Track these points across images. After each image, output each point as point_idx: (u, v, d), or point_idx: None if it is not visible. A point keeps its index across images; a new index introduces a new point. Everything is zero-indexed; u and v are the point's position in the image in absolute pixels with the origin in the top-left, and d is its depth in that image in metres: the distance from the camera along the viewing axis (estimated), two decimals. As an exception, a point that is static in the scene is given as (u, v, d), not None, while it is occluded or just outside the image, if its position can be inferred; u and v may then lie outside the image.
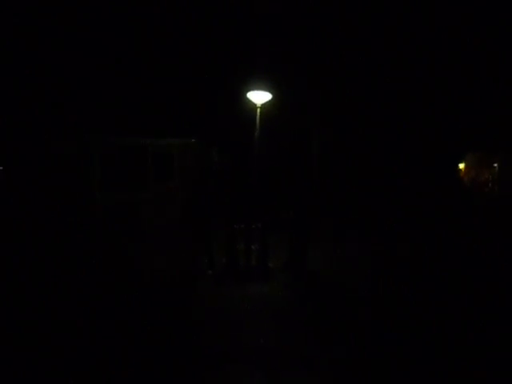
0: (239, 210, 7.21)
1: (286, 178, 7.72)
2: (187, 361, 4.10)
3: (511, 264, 7.55)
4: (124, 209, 11.40)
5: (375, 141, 13.40)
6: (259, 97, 8.51)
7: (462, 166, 17.24)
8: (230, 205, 7.30)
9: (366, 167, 13.21)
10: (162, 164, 12.27)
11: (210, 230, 7.21)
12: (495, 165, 16.22)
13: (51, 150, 11.70)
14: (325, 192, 11.57)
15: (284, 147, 10.95)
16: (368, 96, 13.08)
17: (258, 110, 8.60)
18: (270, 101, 8.63)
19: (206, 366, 4.00)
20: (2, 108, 11.56)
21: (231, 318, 5.20)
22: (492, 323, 4.95)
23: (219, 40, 13.17)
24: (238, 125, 11.39)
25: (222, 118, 12.78)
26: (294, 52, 12.50)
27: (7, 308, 5.41)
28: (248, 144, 9.26)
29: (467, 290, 6.20)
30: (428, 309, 5.45)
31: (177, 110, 12.80)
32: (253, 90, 8.49)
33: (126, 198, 11.59)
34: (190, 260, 7.76)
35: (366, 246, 9.33)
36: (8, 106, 11.66)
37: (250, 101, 8.73)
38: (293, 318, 5.20)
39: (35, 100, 11.96)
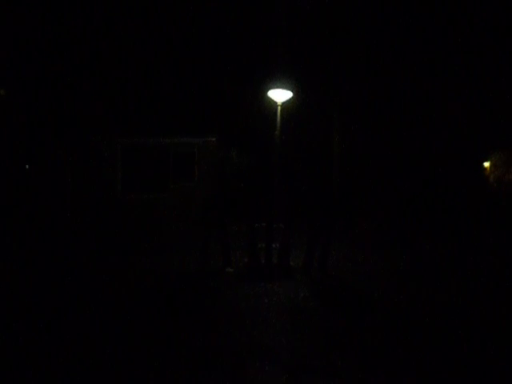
0: (260, 208, 7.20)
1: (307, 178, 7.67)
2: (208, 358, 4.10)
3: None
4: (145, 206, 11.55)
5: (400, 139, 13.18)
6: (280, 95, 8.49)
7: (487, 164, 16.79)
8: (250, 204, 7.29)
9: (389, 166, 13.00)
10: (182, 163, 12.38)
11: (226, 228, 7.22)
12: (522, 163, 15.74)
13: (76, 150, 11.96)
14: (347, 192, 11.45)
15: (305, 146, 10.92)
16: (390, 92, 12.87)
17: (279, 108, 8.58)
18: (290, 99, 8.59)
19: (229, 363, 3.99)
20: (32, 108, 11.88)
21: (252, 316, 5.18)
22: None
23: (239, 39, 13.19)
24: (258, 124, 11.39)
25: (242, 118, 12.79)
26: (316, 47, 12.41)
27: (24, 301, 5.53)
28: (268, 143, 9.25)
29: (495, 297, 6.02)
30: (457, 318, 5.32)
31: (198, 109, 12.87)
32: (274, 88, 8.48)
33: (148, 196, 11.74)
34: (210, 258, 7.77)
35: (391, 249, 9.16)
36: (37, 107, 11.97)
37: (270, 99, 8.73)
38: (315, 319, 5.14)
39: (62, 101, 12.23)
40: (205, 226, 7.11)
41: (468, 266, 7.53)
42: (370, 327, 4.84)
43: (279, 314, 5.27)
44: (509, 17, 12.07)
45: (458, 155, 13.70)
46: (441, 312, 5.32)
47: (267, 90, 8.65)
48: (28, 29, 12.15)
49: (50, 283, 6.45)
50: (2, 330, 4.54)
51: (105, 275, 6.97)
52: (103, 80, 12.96)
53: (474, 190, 13.11)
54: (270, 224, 7.00)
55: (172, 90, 13.14)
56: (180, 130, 12.36)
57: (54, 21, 12.38)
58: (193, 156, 12.41)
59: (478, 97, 13.28)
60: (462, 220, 11.15)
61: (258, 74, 11.80)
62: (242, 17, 13.03)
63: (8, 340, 4.27)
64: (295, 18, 12.35)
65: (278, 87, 8.44)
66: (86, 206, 11.48)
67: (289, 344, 4.39)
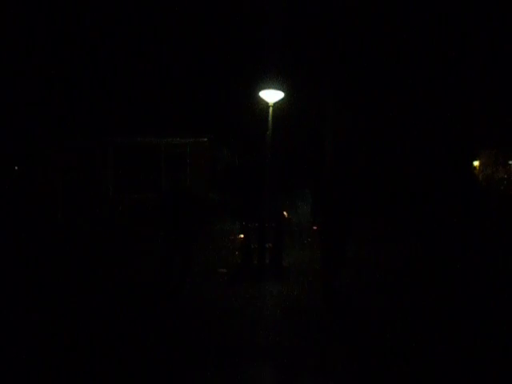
0: (252, 208, 7.20)
1: (301, 178, 7.70)
2: (201, 357, 4.10)
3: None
4: (137, 206, 11.48)
5: (387, 141, 13.26)
6: (271, 95, 8.46)
7: (476, 163, 16.96)
8: (242, 203, 7.30)
9: (377, 166, 13.07)
10: (174, 163, 12.33)
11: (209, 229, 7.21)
12: (511, 162, 15.94)
13: (66, 151, 11.85)
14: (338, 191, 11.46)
15: (297, 147, 10.94)
16: (379, 94, 12.95)
17: (271, 108, 8.56)
18: (283, 99, 8.57)
19: (220, 361, 4.01)
20: (19, 109, 11.73)
21: (244, 315, 5.20)
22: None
23: (230, 39, 13.17)
24: (250, 124, 11.39)
25: (234, 118, 12.78)
26: (308, 48, 12.44)
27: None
28: (260, 144, 9.25)
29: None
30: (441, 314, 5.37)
31: (189, 109, 12.83)
32: (265, 88, 8.46)
33: (139, 196, 11.68)
34: (202, 258, 7.76)
35: (384, 246, 9.14)
36: (24, 108, 11.83)
37: (262, 100, 8.71)
38: (306, 318, 5.16)
39: (49, 102, 12.10)
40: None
41: (453, 264, 7.59)
42: (366, 330, 4.89)
43: (271, 313, 5.30)
44: (496, 18, 12.22)
45: (448, 154, 13.83)
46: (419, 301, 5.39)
47: (259, 90, 8.63)
48: (14, 26, 11.99)
49: (40, 282, 6.39)
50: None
51: (96, 276, 6.92)
52: (94, 79, 12.86)
53: (463, 189, 13.23)
54: (262, 224, 7.00)
55: (164, 90, 13.08)
56: (172, 130, 12.31)
57: (43, 17, 12.23)
58: (184, 156, 12.38)
59: (467, 96, 13.42)
60: (452, 218, 11.24)
61: (250, 74, 11.81)
62: (234, 16, 13.02)
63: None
64: (287, 17, 12.37)
65: (269, 88, 8.42)
66: (77, 206, 11.38)
67: (283, 343, 4.41)
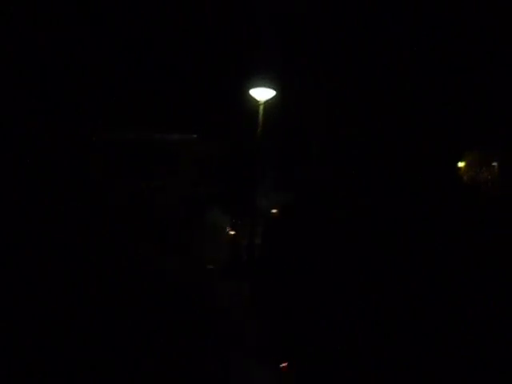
0: (242, 205, 7.28)
1: (290, 175, 7.78)
2: (192, 353, 4.15)
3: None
4: (127, 204, 11.43)
5: (369, 141, 13.40)
6: (262, 94, 8.53)
7: (461, 164, 17.24)
8: (233, 201, 7.37)
9: (362, 165, 13.16)
10: (164, 160, 12.31)
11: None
12: (494, 164, 16.23)
13: (56, 147, 11.73)
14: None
15: (287, 144, 11.01)
16: (364, 94, 13.07)
17: (261, 107, 8.62)
18: (274, 97, 8.64)
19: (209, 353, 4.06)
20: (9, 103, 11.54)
21: (232, 312, 5.27)
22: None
23: (221, 36, 13.18)
24: (241, 121, 11.42)
25: (224, 116, 12.80)
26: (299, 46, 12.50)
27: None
28: (250, 141, 9.31)
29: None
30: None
31: (179, 106, 12.81)
32: (256, 86, 8.53)
33: (129, 193, 11.63)
34: (189, 255, 7.79)
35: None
36: (15, 102, 11.64)
37: (252, 98, 8.76)
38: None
39: (42, 96, 11.95)
40: None
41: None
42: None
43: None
44: (484, 19, 12.42)
45: (432, 155, 14.03)
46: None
47: (250, 88, 8.69)
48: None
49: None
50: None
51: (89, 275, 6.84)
52: (84, 76, 12.73)
53: (447, 190, 13.42)
54: (252, 221, 7.08)
55: (154, 88, 13.02)
56: (162, 127, 12.29)
57: (37, 16, 12.06)
58: (175, 153, 12.36)
59: (452, 96, 13.64)
60: (435, 219, 11.38)
61: (241, 72, 11.84)
62: (225, 14, 13.02)
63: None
64: (280, 16, 12.42)
65: (259, 85, 8.48)
66: (66, 204, 11.22)
67: (267, 338, 4.49)
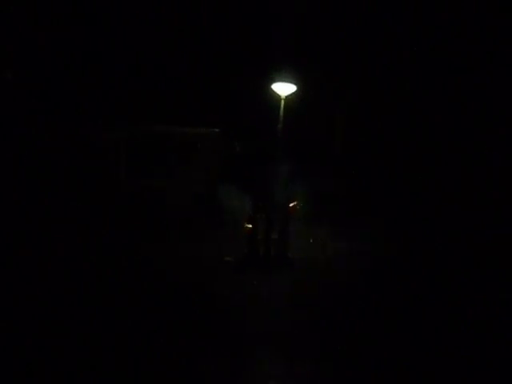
0: (260, 199, 7.32)
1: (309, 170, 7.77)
2: (208, 345, 4.17)
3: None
4: (148, 196, 11.66)
5: (397, 136, 13.10)
6: (284, 88, 8.54)
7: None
8: (250, 194, 7.41)
9: (386, 163, 12.89)
10: (185, 153, 12.47)
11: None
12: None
13: (78, 139, 12.03)
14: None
15: (307, 139, 10.95)
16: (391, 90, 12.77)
17: (282, 101, 8.65)
18: (295, 92, 8.65)
19: (228, 350, 4.07)
20: (31, 98, 11.83)
21: (249, 305, 5.32)
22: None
23: (244, 30, 13.17)
24: (262, 116, 11.44)
25: (246, 109, 12.84)
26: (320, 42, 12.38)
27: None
28: (271, 136, 9.33)
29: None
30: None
31: (202, 100, 12.92)
32: (278, 81, 8.54)
33: (151, 186, 11.85)
34: (209, 247, 7.90)
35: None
36: (38, 96, 11.94)
37: (274, 92, 8.79)
38: (308, 309, 5.26)
39: (62, 89, 12.20)
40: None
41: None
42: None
43: (275, 303, 5.41)
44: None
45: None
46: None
47: (271, 83, 8.71)
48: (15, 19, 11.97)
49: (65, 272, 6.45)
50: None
51: (107, 265, 7.00)
52: (108, 69, 12.95)
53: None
54: (269, 215, 7.12)
55: (178, 81, 13.16)
56: (184, 120, 12.44)
57: (45, 12, 12.25)
58: (196, 146, 12.51)
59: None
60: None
61: (263, 66, 11.82)
62: (247, 8, 13.00)
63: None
64: (300, 11, 12.31)
65: (281, 80, 8.49)
66: (90, 195, 11.45)
67: (285, 332, 4.52)
